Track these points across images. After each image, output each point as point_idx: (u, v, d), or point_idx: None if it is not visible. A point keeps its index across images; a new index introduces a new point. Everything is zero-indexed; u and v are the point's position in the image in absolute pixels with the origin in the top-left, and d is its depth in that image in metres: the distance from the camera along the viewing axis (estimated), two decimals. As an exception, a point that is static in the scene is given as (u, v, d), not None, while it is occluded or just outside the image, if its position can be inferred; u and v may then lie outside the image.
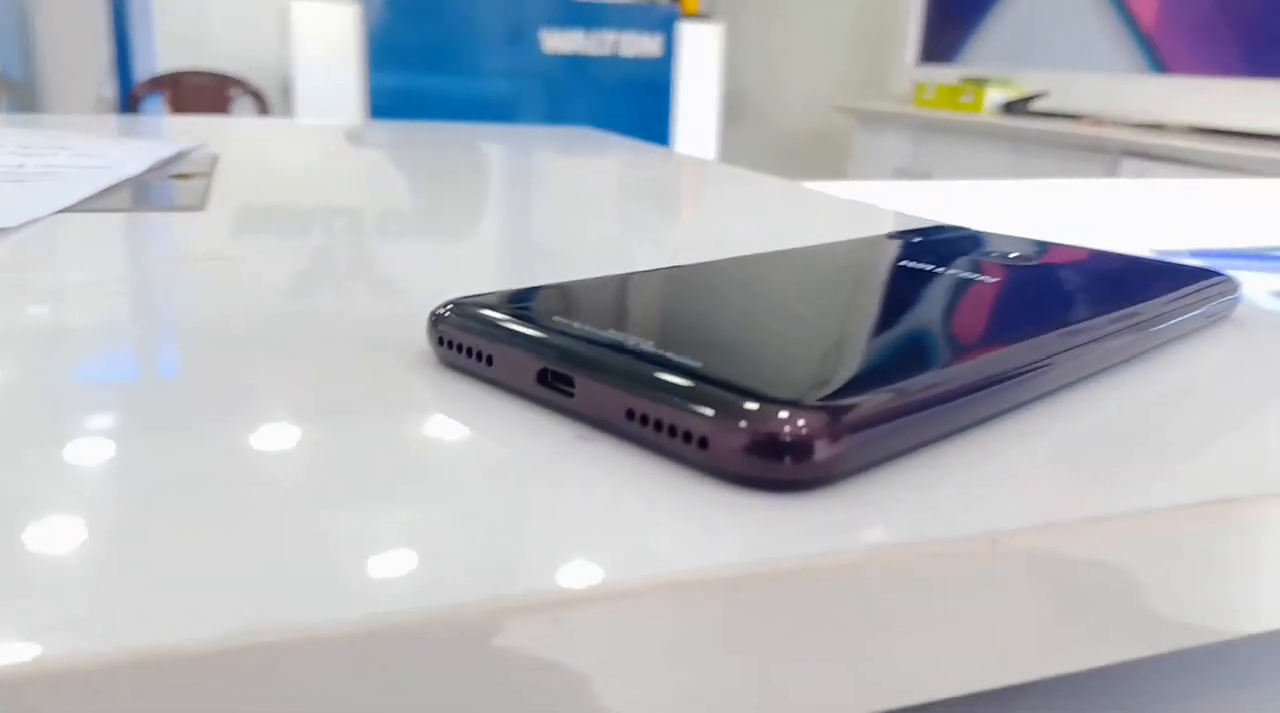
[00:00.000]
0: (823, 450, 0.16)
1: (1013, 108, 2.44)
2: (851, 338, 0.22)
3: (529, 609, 0.13)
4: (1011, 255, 0.29)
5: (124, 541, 0.14)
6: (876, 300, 0.25)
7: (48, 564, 0.13)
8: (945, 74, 2.77)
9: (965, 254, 0.29)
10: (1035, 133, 2.17)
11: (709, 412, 0.17)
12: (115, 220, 0.38)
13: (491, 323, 0.21)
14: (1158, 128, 2.09)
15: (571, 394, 0.19)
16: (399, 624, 0.12)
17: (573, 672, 0.13)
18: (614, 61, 2.72)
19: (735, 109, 3.25)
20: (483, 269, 0.34)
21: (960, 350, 0.20)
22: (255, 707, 0.12)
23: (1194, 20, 2.16)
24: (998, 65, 2.65)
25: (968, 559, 0.15)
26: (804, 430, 0.16)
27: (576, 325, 0.21)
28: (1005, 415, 0.20)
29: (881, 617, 0.15)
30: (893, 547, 0.15)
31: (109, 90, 2.84)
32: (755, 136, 3.50)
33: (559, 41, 2.67)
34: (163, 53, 3.00)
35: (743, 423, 0.16)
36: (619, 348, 0.19)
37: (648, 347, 0.19)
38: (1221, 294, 0.28)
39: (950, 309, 0.24)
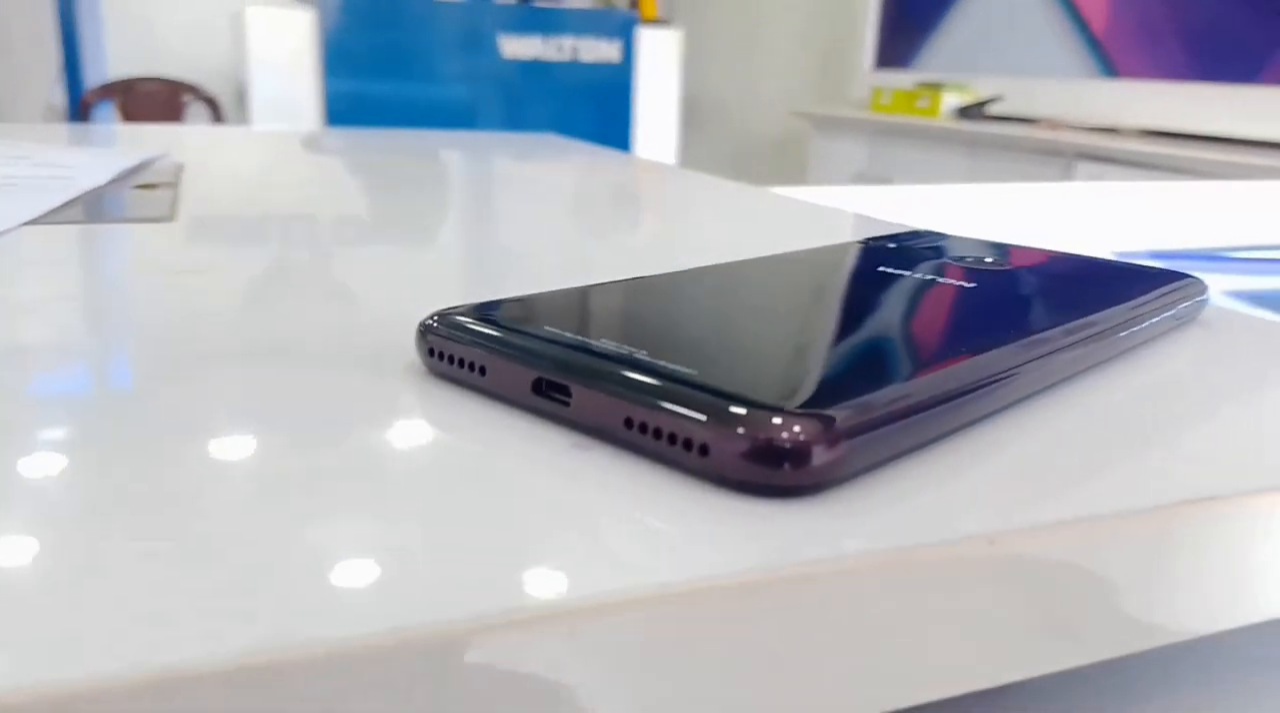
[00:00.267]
0: (822, 457, 0.16)
1: (968, 112, 2.47)
2: (843, 344, 0.22)
3: (545, 621, 0.13)
4: (989, 260, 0.30)
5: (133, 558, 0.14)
6: (864, 306, 0.25)
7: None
8: (902, 79, 2.81)
9: (944, 259, 0.30)
10: (991, 137, 2.20)
11: (710, 419, 0.17)
12: (85, 232, 0.38)
13: (483, 333, 0.21)
14: (1110, 131, 2.13)
15: (567, 404, 0.19)
16: (410, 640, 0.12)
17: (589, 683, 0.13)
18: (573, 67, 2.72)
19: (695, 115, 3.27)
20: (464, 276, 0.34)
21: (950, 355, 0.20)
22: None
23: (1143, 25, 2.20)
24: (953, 70, 2.68)
25: (966, 559, 0.16)
26: (804, 437, 0.16)
27: (568, 335, 0.21)
28: (994, 417, 0.21)
29: (885, 618, 0.15)
30: (898, 550, 0.15)
31: (58, 97, 2.79)
32: (715, 142, 3.52)
33: (517, 47, 2.66)
34: (113, 59, 2.96)
35: (744, 430, 0.16)
36: (614, 357, 0.19)
37: (642, 355, 0.19)
38: (1191, 296, 0.28)
39: (937, 314, 0.24)
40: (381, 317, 0.28)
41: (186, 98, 2.91)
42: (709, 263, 0.29)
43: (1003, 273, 0.28)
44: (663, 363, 0.19)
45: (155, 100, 2.88)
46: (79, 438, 0.18)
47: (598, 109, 2.76)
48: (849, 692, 0.15)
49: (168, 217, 0.41)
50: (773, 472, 0.16)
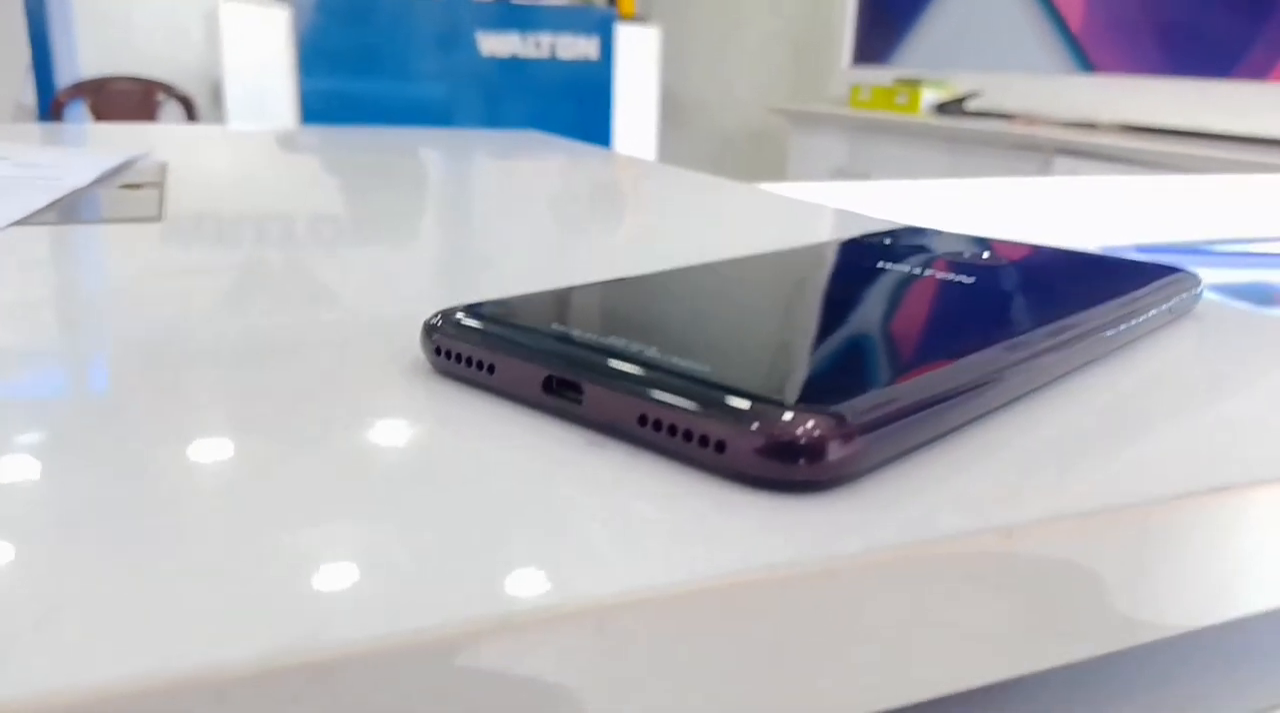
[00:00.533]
0: (838, 452, 0.17)
1: (946, 108, 2.48)
2: (853, 340, 0.22)
3: (577, 616, 0.13)
4: (991, 255, 0.30)
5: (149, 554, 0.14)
6: (871, 302, 0.25)
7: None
8: (880, 75, 2.82)
9: (945, 254, 0.30)
10: (969, 132, 2.22)
11: (727, 415, 0.17)
12: (74, 233, 0.37)
13: (492, 331, 0.21)
14: (1088, 126, 2.14)
15: (579, 402, 0.19)
16: (448, 638, 0.12)
17: (623, 677, 0.13)
18: (551, 64, 2.71)
19: (673, 111, 3.27)
20: (463, 274, 0.34)
21: (960, 350, 0.20)
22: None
23: (1120, 21, 2.22)
24: (931, 66, 2.70)
25: (984, 552, 0.16)
26: (820, 433, 0.16)
27: (577, 332, 0.21)
28: (1002, 411, 0.21)
29: (906, 611, 0.15)
30: (921, 543, 0.15)
31: (29, 97, 2.75)
32: (694, 139, 3.52)
33: (495, 44, 2.65)
34: (84, 58, 2.92)
35: (761, 426, 0.16)
36: (625, 354, 0.19)
37: (653, 352, 0.19)
38: (1186, 289, 0.29)
39: (944, 309, 0.25)
40: (382, 315, 0.27)
41: (160, 97, 2.88)
42: (707, 259, 0.29)
43: (1006, 268, 0.29)
44: (675, 360, 0.19)
45: (128, 99, 2.85)
46: (80, 437, 0.18)
47: (576, 106, 2.75)
48: (877, 685, 0.16)
49: (155, 216, 0.41)
50: (789, 467, 0.16)
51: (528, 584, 0.13)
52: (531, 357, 0.20)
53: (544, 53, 2.70)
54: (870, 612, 0.15)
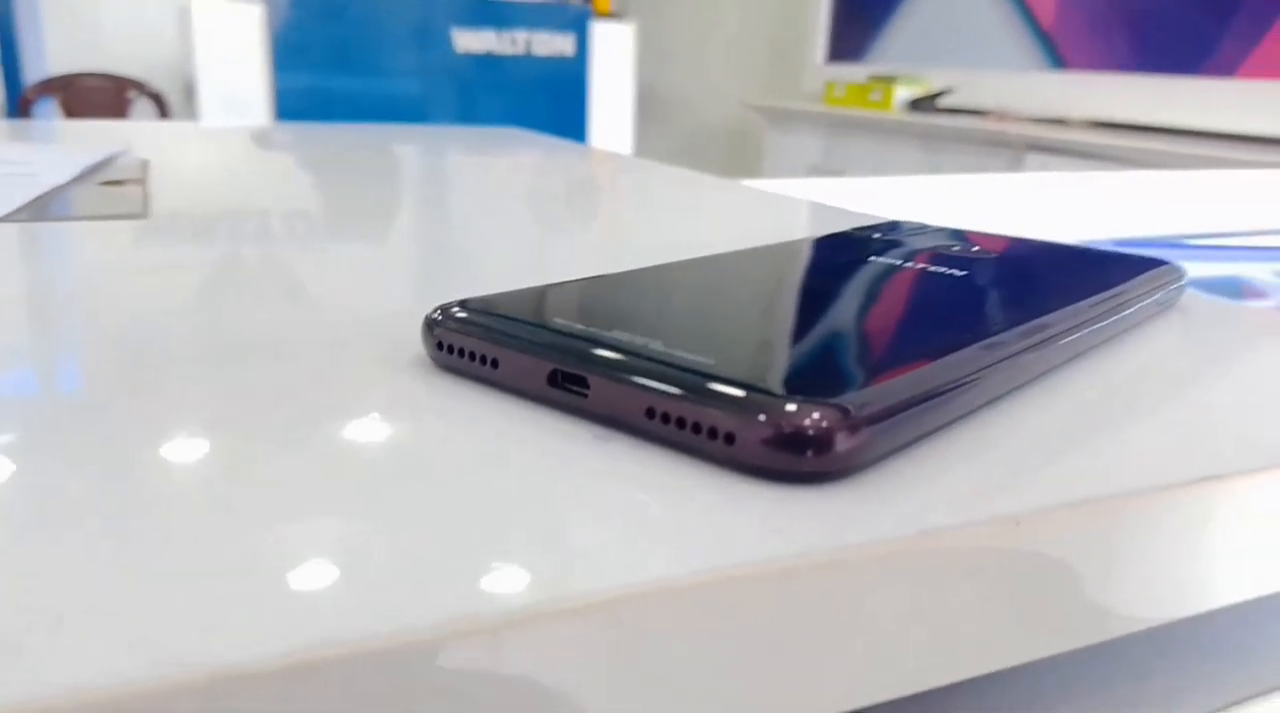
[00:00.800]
0: (845, 443, 0.17)
1: (920, 104, 2.50)
2: (856, 331, 0.22)
3: (593, 609, 0.13)
4: (982, 249, 0.30)
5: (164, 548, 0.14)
6: (871, 294, 0.25)
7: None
8: (854, 72, 2.83)
9: (937, 247, 0.30)
10: (943, 129, 2.23)
11: (735, 407, 0.17)
12: (59, 230, 0.37)
13: (495, 326, 0.21)
14: (1059, 122, 2.17)
15: (585, 395, 0.19)
16: (461, 631, 0.12)
17: (632, 669, 0.14)
18: (527, 61, 2.70)
19: (649, 108, 3.26)
20: (461, 272, 0.34)
21: (961, 341, 0.21)
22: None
23: (1090, 18, 2.24)
24: (905, 63, 2.71)
25: (993, 541, 0.16)
26: (827, 424, 0.17)
27: (580, 326, 0.21)
28: (1000, 401, 0.21)
29: (909, 602, 0.16)
30: (934, 532, 0.16)
31: (-4, 93, 2.72)
32: (670, 136, 3.52)
33: (470, 41, 2.64)
34: (53, 54, 2.88)
35: (769, 417, 0.17)
36: (630, 348, 0.19)
37: (658, 346, 0.19)
38: (1172, 281, 0.29)
39: (943, 301, 0.25)
40: (381, 310, 0.27)
41: (131, 93, 2.85)
42: (699, 254, 0.29)
43: (1003, 262, 0.29)
44: (680, 353, 0.19)
45: (99, 96, 2.82)
46: (80, 438, 0.18)
47: (552, 103, 2.74)
48: (888, 673, 0.16)
49: (140, 213, 0.40)
50: (797, 458, 0.17)
51: (540, 578, 0.14)
52: (536, 350, 0.20)
53: (519, 49, 2.69)
54: (873, 603, 0.15)
